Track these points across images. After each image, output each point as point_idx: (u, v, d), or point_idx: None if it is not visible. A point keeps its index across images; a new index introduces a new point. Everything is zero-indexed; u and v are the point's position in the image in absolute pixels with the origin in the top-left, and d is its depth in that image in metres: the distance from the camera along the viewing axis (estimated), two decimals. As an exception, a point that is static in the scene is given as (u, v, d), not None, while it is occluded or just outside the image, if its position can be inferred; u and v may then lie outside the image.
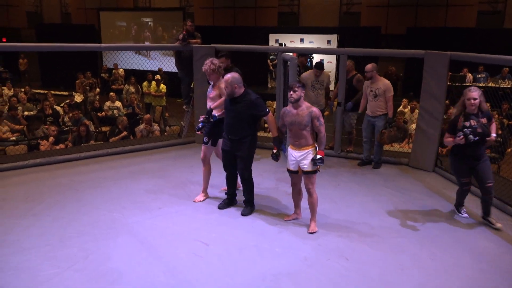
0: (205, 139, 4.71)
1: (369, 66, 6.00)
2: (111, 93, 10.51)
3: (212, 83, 4.74)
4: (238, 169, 4.46)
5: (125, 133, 8.11)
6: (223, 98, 4.56)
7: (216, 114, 4.63)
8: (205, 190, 4.90)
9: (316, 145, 4.08)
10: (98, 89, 12.01)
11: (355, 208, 4.78)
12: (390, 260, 3.69)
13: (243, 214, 4.52)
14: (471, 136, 4.03)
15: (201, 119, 4.63)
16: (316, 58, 12.92)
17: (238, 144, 4.34)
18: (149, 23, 17.05)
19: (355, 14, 16.57)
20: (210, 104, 4.68)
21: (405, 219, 4.53)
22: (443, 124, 6.13)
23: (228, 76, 4.24)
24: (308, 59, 8.73)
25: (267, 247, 3.86)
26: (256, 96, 4.29)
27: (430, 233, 4.21)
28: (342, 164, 6.37)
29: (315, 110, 3.99)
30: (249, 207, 4.58)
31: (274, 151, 4.30)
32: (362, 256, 3.74)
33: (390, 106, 5.95)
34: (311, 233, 4.12)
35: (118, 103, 10.23)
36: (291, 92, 3.98)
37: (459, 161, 4.34)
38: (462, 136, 4.06)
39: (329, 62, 13.97)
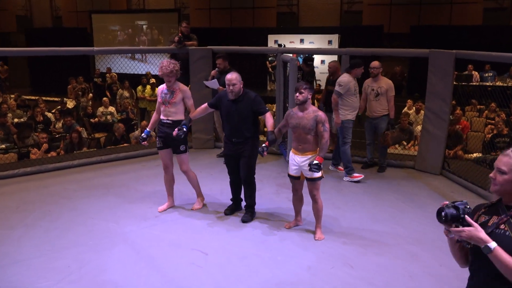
0: (183, 148, 4.59)
1: (376, 63, 5.99)
2: (104, 98, 10.54)
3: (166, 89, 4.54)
4: (241, 171, 4.49)
5: (125, 144, 8.00)
6: (204, 105, 4.58)
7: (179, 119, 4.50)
8: (200, 195, 4.90)
9: None
10: (91, 94, 12.04)
11: (359, 214, 4.79)
12: (397, 268, 3.69)
13: (243, 221, 4.53)
14: (450, 211, 1.85)
15: (179, 132, 4.35)
16: (317, 58, 12.97)
17: (242, 146, 4.39)
18: (143, 26, 17.08)
19: (357, 13, 16.61)
20: (172, 110, 4.48)
21: (412, 225, 4.54)
22: (449, 125, 6.15)
23: (233, 74, 4.31)
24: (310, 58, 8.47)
25: (268, 255, 3.87)
26: (255, 94, 4.42)
27: (439, 239, 4.20)
28: (345, 168, 6.38)
29: (321, 114, 3.97)
30: (249, 213, 4.60)
31: (263, 145, 4.18)
32: (368, 264, 3.74)
33: (391, 107, 5.97)
34: (317, 240, 4.15)
35: (111, 109, 10.24)
36: (297, 94, 3.97)
37: None
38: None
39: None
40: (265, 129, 9.40)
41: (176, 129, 4.37)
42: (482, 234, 1.74)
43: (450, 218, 1.82)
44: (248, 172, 4.47)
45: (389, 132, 5.97)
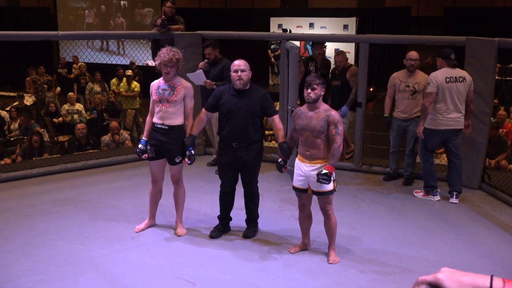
0: (178, 159, 4.52)
1: (414, 54, 6.04)
2: (70, 93, 10.56)
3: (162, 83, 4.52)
4: (245, 182, 4.58)
5: (93, 150, 7.95)
6: (202, 113, 4.59)
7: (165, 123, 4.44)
8: (181, 218, 4.84)
9: None
10: (58, 88, 12.09)
11: (380, 236, 4.80)
12: (425, 302, 3.69)
13: (248, 237, 4.64)
14: None
15: (190, 161, 4.46)
16: (330, 46, 13.01)
17: (245, 152, 4.43)
18: (121, 3, 16.92)
19: (379, -8, 16.72)
20: (170, 110, 4.40)
21: (444, 249, 4.54)
22: (491, 129, 6.17)
23: (242, 60, 4.43)
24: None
25: (269, 286, 3.87)
26: (265, 90, 4.53)
27: (478, 267, 4.22)
28: (364, 180, 6.40)
29: (334, 114, 4.00)
30: (253, 227, 4.71)
31: (280, 160, 4.36)
32: (390, 297, 3.75)
33: None
34: (331, 264, 4.18)
35: (79, 106, 10.27)
36: (309, 90, 4.00)
37: None
38: None
39: (347, 52, 14.06)
40: (267, 132, 9.45)
41: (186, 159, 4.45)
42: None
43: None
44: (254, 185, 4.58)
45: None
